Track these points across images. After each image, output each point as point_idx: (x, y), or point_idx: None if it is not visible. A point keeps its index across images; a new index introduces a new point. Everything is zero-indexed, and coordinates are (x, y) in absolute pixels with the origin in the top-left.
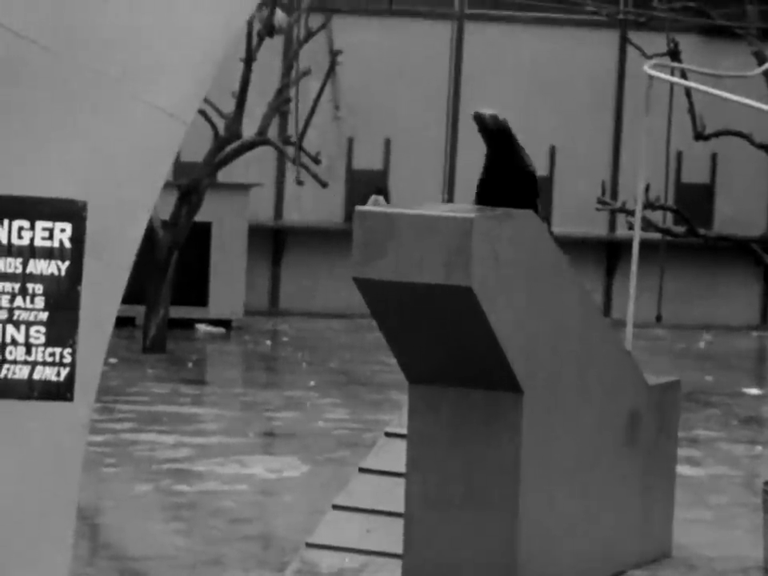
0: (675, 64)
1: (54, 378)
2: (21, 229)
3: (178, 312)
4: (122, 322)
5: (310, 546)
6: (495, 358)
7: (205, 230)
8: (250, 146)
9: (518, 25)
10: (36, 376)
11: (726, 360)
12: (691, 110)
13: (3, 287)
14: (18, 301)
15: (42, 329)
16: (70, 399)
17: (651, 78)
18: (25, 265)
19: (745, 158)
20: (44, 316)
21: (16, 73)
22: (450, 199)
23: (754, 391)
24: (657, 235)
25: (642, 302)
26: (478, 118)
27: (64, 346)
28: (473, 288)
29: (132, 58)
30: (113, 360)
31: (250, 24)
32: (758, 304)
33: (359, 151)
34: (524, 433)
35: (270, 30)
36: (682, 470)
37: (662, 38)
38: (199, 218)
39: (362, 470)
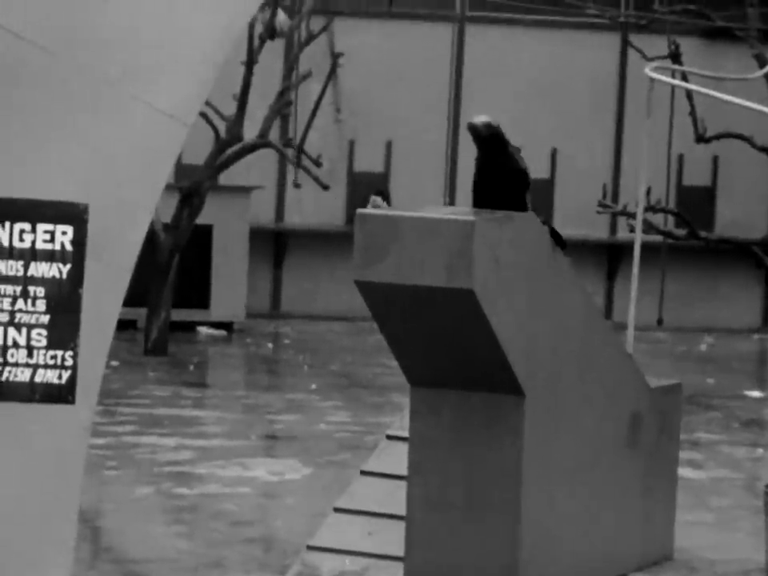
0: (676, 67)
1: (55, 381)
2: (22, 231)
3: (180, 315)
4: (124, 325)
5: (311, 548)
6: (496, 360)
7: (206, 232)
8: (252, 148)
9: (518, 28)
10: (38, 379)
11: (727, 363)
12: (692, 113)
13: (5, 290)
14: (20, 303)
15: (44, 332)
16: (72, 402)
17: (652, 80)
18: (26, 267)
19: (746, 161)
20: (45, 319)
21: (16, 74)
22: (452, 202)
23: (756, 394)
24: (658, 238)
25: (643, 304)
26: (472, 129)
27: (65, 349)
28: (474, 290)
29: (132, 59)
30: (114, 363)
31: (251, 26)
32: (759, 307)
33: (360, 154)
34: (525, 435)
35: (271, 32)
36: (684, 472)
37: (663, 40)
38: (200, 220)
39: (363, 472)
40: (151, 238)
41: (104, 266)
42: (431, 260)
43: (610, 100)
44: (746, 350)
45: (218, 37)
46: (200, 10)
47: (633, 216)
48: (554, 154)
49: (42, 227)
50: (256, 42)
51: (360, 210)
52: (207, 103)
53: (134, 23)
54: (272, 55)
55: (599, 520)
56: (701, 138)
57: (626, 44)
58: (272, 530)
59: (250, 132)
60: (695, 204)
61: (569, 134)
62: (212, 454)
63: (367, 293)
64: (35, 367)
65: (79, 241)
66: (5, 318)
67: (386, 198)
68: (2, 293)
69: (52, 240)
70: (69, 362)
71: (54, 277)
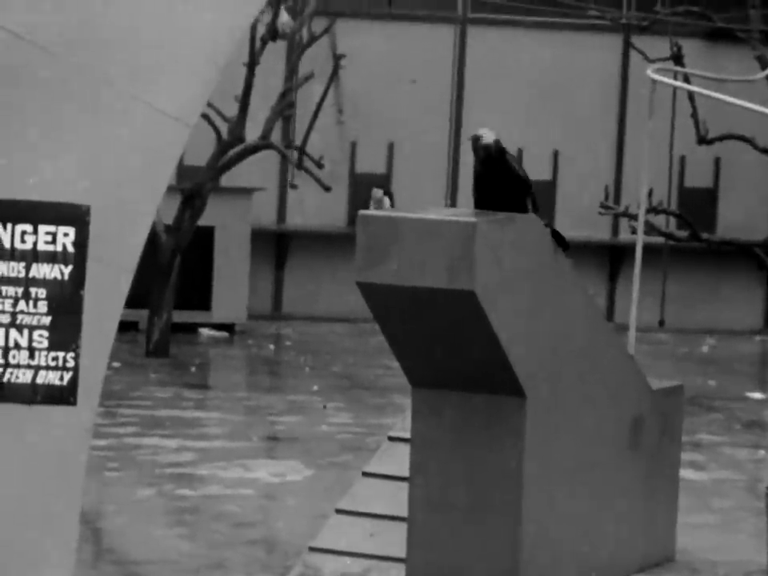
0: (678, 68)
1: (57, 383)
2: (24, 233)
3: (182, 316)
4: (125, 326)
5: (313, 549)
6: (498, 361)
7: (208, 234)
8: (253, 149)
9: (520, 29)
10: (39, 380)
11: (729, 364)
12: (694, 115)
13: (6, 291)
14: (21, 305)
15: (45, 333)
16: (73, 403)
17: (654, 82)
18: (28, 269)
19: (748, 163)
20: (47, 320)
21: (16, 74)
22: (453, 203)
23: (757, 395)
24: (660, 239)
25: (644, 306)
26: (485, 149)
27: (67, 350)
28: (475, 292)
29: (132, 59)
30: (116, 364)
31: (253, 28)
32: (761, 308)
33: (362, 155)
34: (527, 436)
35: (273, 33)
36: (686, 474)
37: (666, 42)
38: (202, 222)
39: (365, 473)
40: (153, 240)
41: (106, 268)
42: (433, 261)
43: (611, 102)
44: (747, 351)
45: (220, 38)
46: (201, 11)
47: (635, 217)
48: (555, 156)
49: (43, 228)
50: (258, 43)
51: (362, 212)
52: (209, 104)
53: (134, 23)
54: (274, 56)
55: (600, 521)
56: (703, 140)
57: (627, 45)
58: (274, 531)
59: (252, 133)
60: (697, 206)
61: (571, 136)
62: (214, 455)
63: (369, 294)
64: (37, 369)
65: (81, 242)
66: (6, 319)
67: (390, 197)
68: (4, 294)
69: (54, 241)
70: (70, 364)
71: (55, 278)
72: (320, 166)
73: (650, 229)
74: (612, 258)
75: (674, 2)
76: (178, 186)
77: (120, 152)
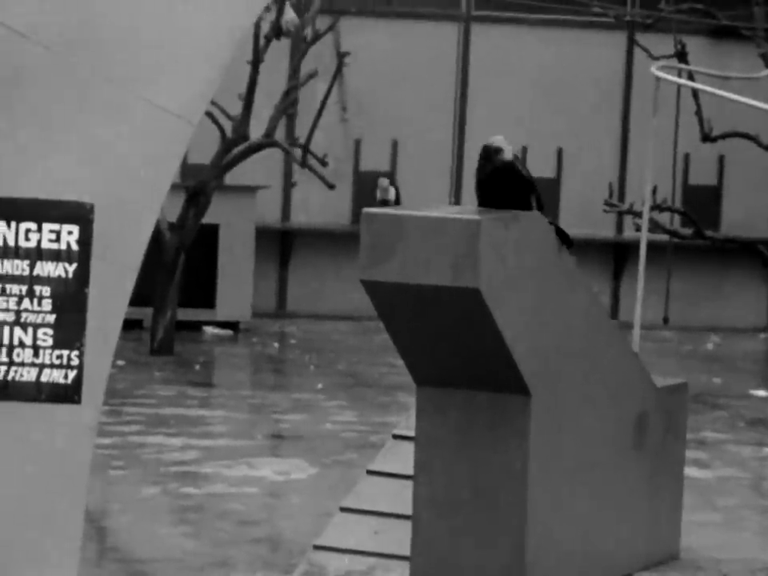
0: (682, 66)
1: (61, 381)
2: (28, 231)
3: (186, 314)
4: (130, 325)
5: (317, 548)
6: (502, 359)
7: (212, 232)
8: (257, 148)
9: (524, 27)
10: (43, 378)
11: (733, 362)
12: (698, 112)
13: (11, 289)
14: (26, 303)
15: (50, 331)
16: (78, 402)
17: (658, 79)
18: (32, 267)
19: (752, 160)
20: (51, 318)
21: (21, 74)
22: (457, 201)
23: (762, 393)
24: (664, 237)
25: (649, 303)
26: (509, 167)
27: (71, 349)
28: (480, 289)
29: (134, 59)
30: (120, 362)
31: (257, 26)
32: (765, 306)
33: (366, 153)
34: (531, 435)
35: (277, 31)
36: (690, 471)
37: (670, 39)
38: (206, 220)
39: (369, 472)
40: (157, 238)
41: (110, 266)
42: (437, 259)
43: (615, 99)
44: (751, 349)
45: (223, 36)
46: (202, 10)
47: (639, 215)
48: (559, 153)
49: (47, 227)
50: (262, 41)
51: (366, 209)
52: (213, 103)
53: (134, 23)
54: (278, 54)
55: (605, 520)
56: (707, 137)
57: (632, 43)
58: (278, 529)
59: (256, 131)
60: (701, 203)
61: (575, 133)
62: (218, 453)
63: (373, 292)
64: (41, 367)
65: (85, 240)
66: (11, 317)
67: (396, 190)
68: (8, 292)
69: (58, 240)
70: (75, 362)
71: (59, 276)
72: (324, 163)
73: (654, 226)
74: (616, 256)
75: None
76: (182, 183)
77: (124, 150)
